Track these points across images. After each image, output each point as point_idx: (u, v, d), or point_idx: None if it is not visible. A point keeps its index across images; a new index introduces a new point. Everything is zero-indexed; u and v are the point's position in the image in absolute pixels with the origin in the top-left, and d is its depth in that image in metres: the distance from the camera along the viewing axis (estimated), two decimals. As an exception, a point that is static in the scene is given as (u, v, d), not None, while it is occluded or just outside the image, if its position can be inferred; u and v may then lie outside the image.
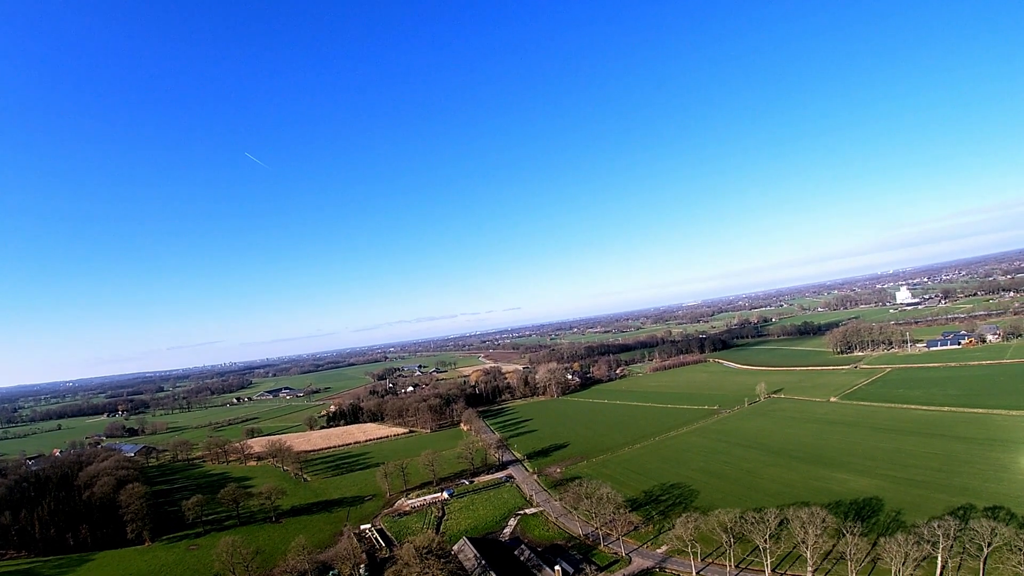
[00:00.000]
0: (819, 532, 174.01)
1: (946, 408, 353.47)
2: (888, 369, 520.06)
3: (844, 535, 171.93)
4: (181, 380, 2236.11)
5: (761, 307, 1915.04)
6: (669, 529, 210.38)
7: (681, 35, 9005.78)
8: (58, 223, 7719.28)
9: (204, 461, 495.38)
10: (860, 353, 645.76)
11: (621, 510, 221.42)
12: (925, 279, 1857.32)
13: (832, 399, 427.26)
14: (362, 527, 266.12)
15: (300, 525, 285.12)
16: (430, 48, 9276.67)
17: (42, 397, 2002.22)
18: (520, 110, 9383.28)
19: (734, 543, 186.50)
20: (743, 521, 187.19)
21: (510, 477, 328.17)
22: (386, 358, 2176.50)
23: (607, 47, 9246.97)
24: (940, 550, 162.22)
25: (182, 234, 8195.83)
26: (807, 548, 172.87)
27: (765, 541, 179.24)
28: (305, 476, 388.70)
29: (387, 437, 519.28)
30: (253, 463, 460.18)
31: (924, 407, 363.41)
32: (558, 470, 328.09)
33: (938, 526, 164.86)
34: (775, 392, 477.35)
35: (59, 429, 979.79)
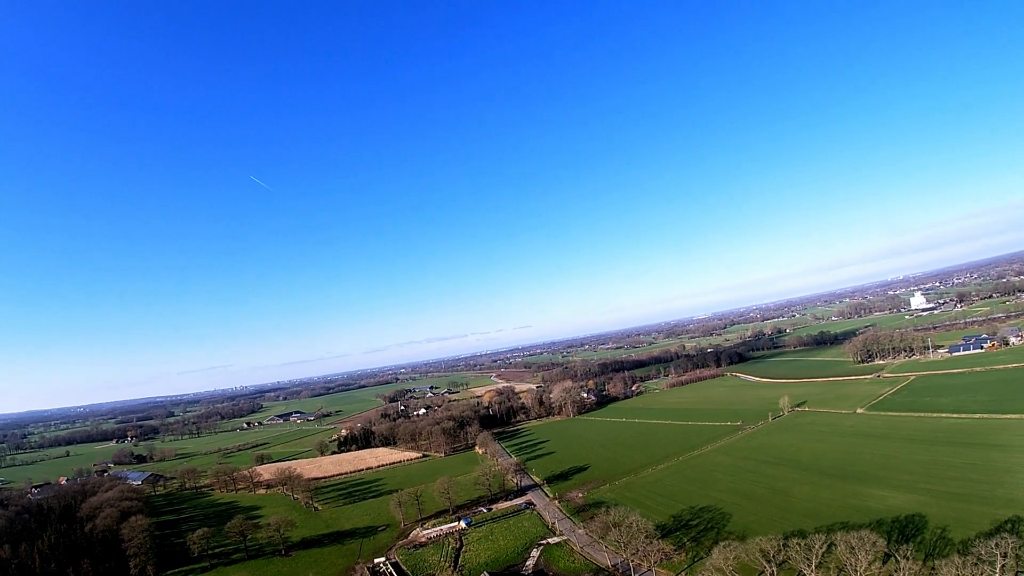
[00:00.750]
0: (871, 558, 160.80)
1: (978, 415, 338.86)
2: (912, 377, 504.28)
3: (894, 558, 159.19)
4: (192, 405, 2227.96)
5: (773, 318, 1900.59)
6: (703, 557, 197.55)
7: (685, 45, 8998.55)
8: (69, 247, 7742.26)
9: (212, 489, 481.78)
10: (881, 361, 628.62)
11: (652, 539, 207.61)
12: (937, 283, 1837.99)
13: (859, 410, 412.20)
14: (376, 561, 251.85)
15: (311, 559, 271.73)
16: (437, 61, 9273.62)
17: (52, 423, 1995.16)
18: (525, 129, 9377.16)
19: (777, 573, 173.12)
20: (786, 548, 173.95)
21: (530, 504, 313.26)
22: (397, 379, 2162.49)
23: (610, 58, 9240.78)
24: (998, 569, 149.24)
25: (192, 258, 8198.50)
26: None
27: (812, 570, 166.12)
28: (316, 505, 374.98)
29: (400, 462, 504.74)
30: (263, 491, 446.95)
31: (955, 415, 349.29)
32: (580, 495, 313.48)
33: (995, 544, 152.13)
34: (798, 405, 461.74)
35: (67, 456, 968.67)
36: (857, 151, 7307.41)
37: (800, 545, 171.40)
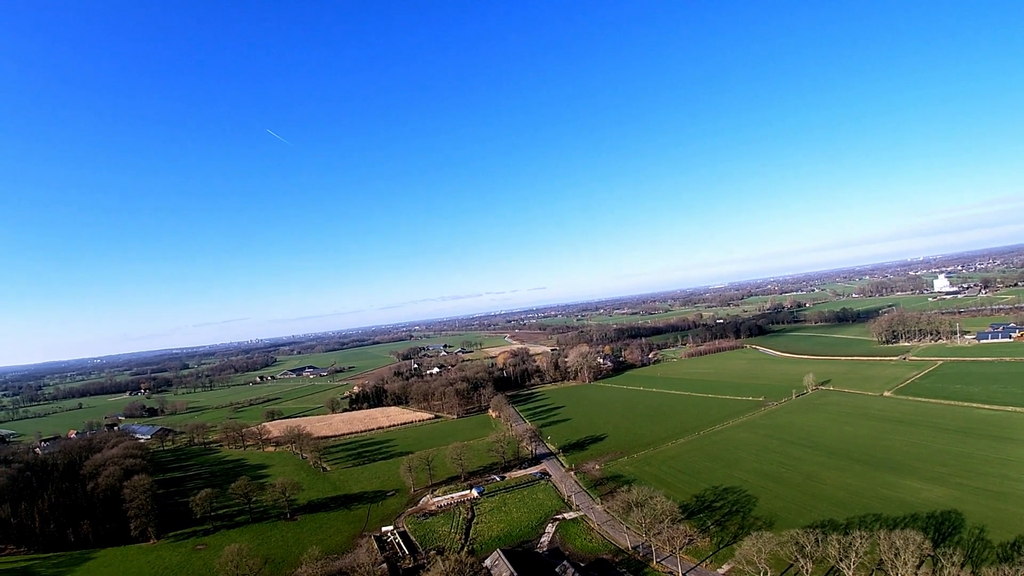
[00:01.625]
0: (916, 561, 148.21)
1: (1011, 408, 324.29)
2: (940, 362, 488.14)
3: (940, 562, 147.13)
4: (207, 357, 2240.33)
5: (792, 291, 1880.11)
6: (729, 544, 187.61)
7: (709, 25, 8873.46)
8: (91, 202, 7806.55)
9: (221, 445, 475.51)
10: (906, 343, 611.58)
11: (678, 523, 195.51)
12: (960, 267, 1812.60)
13: (886, 393, 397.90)
14: (384, 529, 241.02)
15: (316, 523, 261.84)
16: (464, 34, 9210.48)
17: (68, 374, 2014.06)
18: (548, 93, 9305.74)
19: (813, 569, 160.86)
20: (824, 543, 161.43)
21: (544, 473, 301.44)
22: (411, 336, 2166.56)
23: (649, 33, 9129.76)
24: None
25: (212, 212, 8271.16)
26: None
27: (851, 571, 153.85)
28: (324, 465, 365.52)
29: (412, 423, 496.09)
30: (271, 449, 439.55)
31: (987, 406, 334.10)
32: (596, 467, 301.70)
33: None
34: (823, 384, 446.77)
35: (80, 408, 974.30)
36: (885, 130, 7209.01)
37: (840, 543, 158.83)
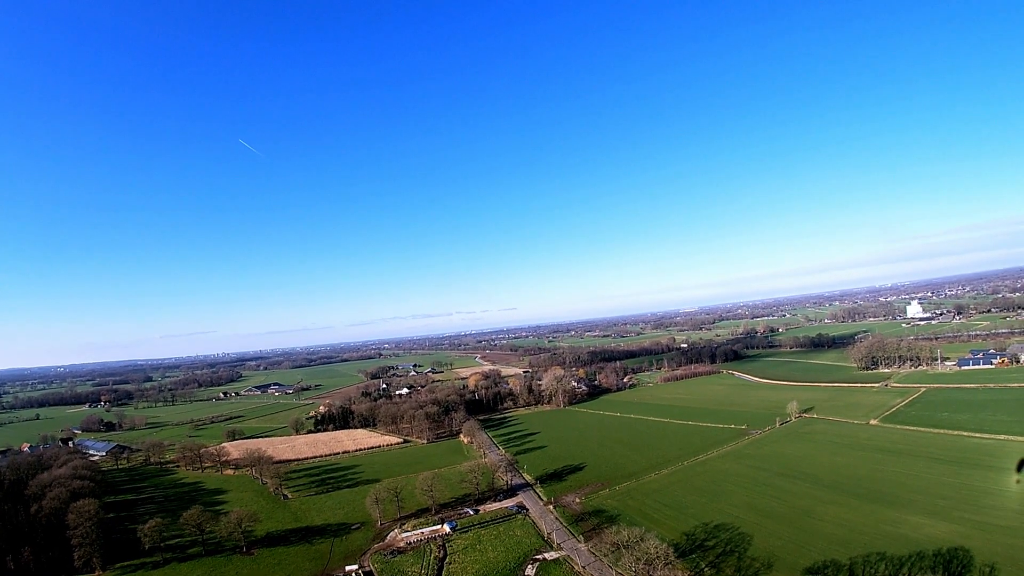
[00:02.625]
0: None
1: (1002, 436, 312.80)
2: (923, 389, 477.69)
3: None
4: (171, 370, 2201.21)
5: (763, 316, 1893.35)
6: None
7: (682, 37, 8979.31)
8: (56, 209, 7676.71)
9: (178, 466, 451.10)
10: (886, 370, 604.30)
11: (671, 567, 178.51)
12: (929, 293, 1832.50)
13: (872, 421, 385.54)
14: (348, 569, 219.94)
15: (275, 559, 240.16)
16: (428, 45, 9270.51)
17: (30, 382, 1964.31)
18: (518, 110, 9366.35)
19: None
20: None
21: (522, 507, 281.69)
22: (380, 355, 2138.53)
23: (606, 48, 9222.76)
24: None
25: (179, 223, 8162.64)
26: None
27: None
28: (286, 492, 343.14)
29: (380, 447, 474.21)
30: (230, 472, 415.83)
31: (978, 434, 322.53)
32: (577, 500, 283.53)
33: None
34: (806, 411, 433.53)
35: (37, 419, 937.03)
36: (854, 156, 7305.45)
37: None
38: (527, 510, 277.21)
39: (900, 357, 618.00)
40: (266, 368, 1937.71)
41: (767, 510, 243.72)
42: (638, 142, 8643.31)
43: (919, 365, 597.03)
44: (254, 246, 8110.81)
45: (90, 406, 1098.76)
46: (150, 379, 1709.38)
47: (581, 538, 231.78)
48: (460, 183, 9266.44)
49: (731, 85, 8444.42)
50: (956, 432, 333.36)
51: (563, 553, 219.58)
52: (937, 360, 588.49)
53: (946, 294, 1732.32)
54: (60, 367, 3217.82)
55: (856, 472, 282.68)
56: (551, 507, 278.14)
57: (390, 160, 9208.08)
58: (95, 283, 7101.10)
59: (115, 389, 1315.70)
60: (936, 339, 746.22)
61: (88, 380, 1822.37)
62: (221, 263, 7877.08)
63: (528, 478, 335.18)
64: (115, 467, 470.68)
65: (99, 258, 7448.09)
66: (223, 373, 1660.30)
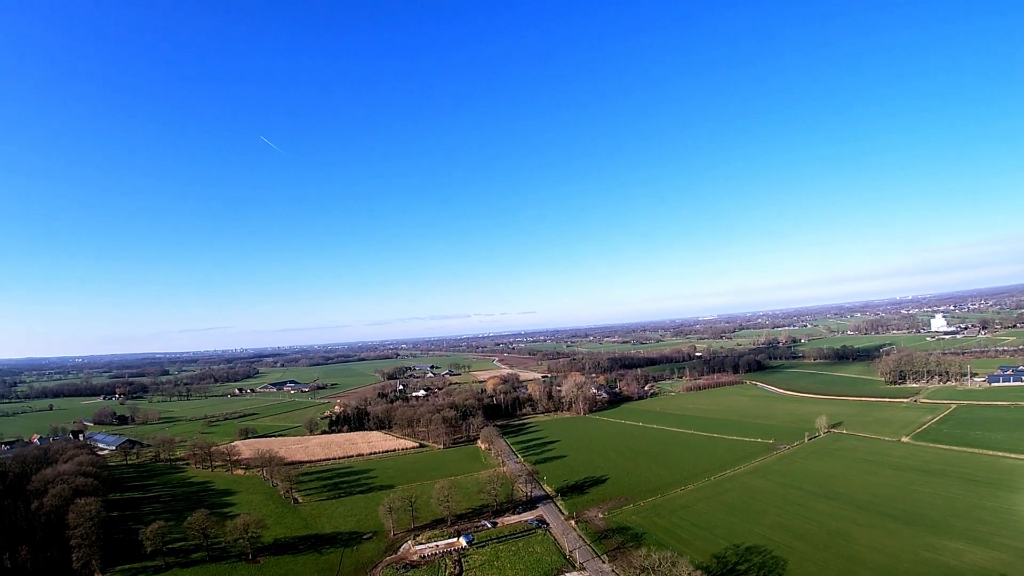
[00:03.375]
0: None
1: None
2: (953, 406, 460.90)
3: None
4: (188, 364, 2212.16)
5: (783, 326, 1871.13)
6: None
7: (706, 44, 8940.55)
8: (83, 201, 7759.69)
9: (188, 464, 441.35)
10: (914, 384, 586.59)
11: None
12: (952, 307, 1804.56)
13: (904, 439, 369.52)
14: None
15: (281, 569, 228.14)
16: (448, 45, 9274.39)
17: (47, 372, 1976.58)
18: (542, 112, 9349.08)
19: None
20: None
21: (542, 521, 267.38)
22: (397, 355, 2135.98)
23: (630, 50, 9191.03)
24: None
25: (202, 218, 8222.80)
26: None
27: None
28: (296, 496, 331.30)
29: (395, 451, 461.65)
30: (241, 471, 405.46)
31: (1014, 455, 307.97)
32: (600, 515, 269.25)
33: None
34: (834, 426, 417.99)
35: (50, 410, 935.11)
36: (877, 164, 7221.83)
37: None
38: (548, 525, 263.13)
39: (928, 372, 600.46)
40: (283, 365, 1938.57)
41: (800, 532, 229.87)
42: (658, 148, 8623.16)
43: (947, 381, 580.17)
44: (275, 243, 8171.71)
45: (104, 398, 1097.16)
46: (167, 372, 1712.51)
47: (605, 558, 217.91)
48: (481, 184, 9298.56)
49: (754, 93, 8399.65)
50: (991, 452, 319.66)
51: (586, 574, 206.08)
52: (966, 376, 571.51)
53: (969, 308, 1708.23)
54: (78, 358, 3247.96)
55: (891, 492, 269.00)
56: (573, 522, 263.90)
57: (412, 160, 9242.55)
58: (117, 275, 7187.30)
59: (131, 382, 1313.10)
60: (963, 354, 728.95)
61: (105, 372, 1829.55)
62: (242, 259, 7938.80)
63: (548, 490, 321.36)
64: (124, 462, 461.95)
65: (122, 251, 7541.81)
66: (240, 369, 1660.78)
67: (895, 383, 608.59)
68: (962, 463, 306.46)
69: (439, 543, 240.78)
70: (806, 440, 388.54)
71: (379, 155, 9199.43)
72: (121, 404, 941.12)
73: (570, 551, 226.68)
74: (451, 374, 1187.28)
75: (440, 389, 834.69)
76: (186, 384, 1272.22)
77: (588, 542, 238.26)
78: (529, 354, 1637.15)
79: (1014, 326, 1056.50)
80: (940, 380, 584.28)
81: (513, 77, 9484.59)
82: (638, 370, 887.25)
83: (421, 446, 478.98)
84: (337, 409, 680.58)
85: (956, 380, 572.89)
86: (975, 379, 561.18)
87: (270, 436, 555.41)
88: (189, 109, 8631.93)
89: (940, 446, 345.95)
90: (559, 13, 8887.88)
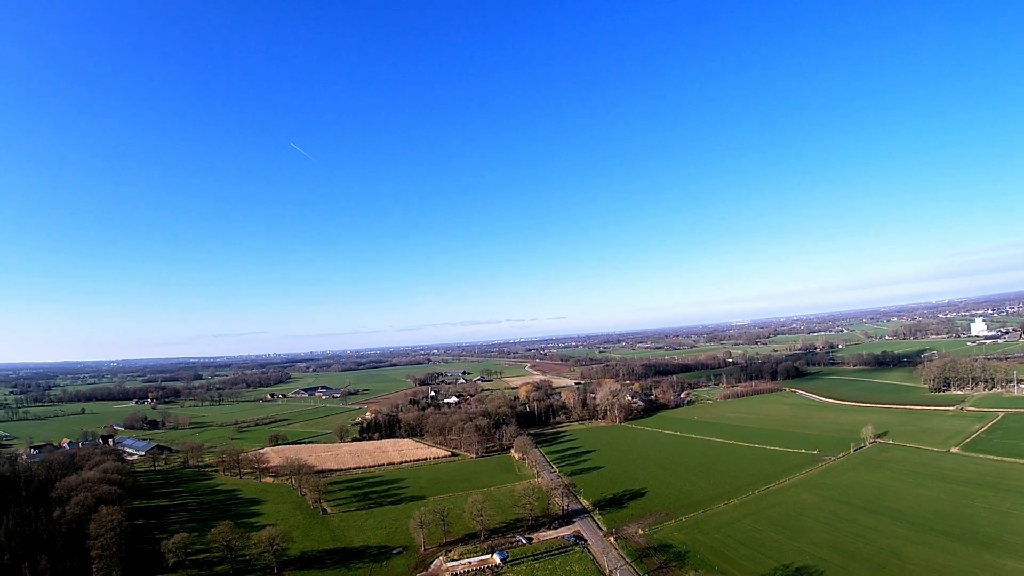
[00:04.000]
0: None
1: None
2: (1001, 414, 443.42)
3: None
4: (222, 369, 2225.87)
5: (818, 331, 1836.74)
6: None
7: (741, 51, 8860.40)
8: (123, 209, 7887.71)
9: (216, 471, 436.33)
10: (959, 392, 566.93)
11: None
12: (990, 311, 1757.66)
13: (953, 449, 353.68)
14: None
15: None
16: (475, 47, 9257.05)
17: (80, 376, 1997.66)
18: (573, 118, 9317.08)
19: None
20: None
21: (579, 537, 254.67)
22: (429, 360, 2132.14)
23: (664, 55, 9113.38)
24: None
25: (239, 224, 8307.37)
26: None
27: None
28: (325, 506, 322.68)
29: (426, 460, 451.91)
30: (269, 479, 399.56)
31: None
32: (640, 531, 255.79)
33: None
34: (880, 436, 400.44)
35: (82, 413, 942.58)
36: (908, 165, 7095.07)
37: None
38: (586, 542, 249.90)
39: (973, 378, 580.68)
40: (315, 370, 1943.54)
41: (851, 550, 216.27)
42: (690, 153, 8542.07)
43: (992, 387, 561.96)
44: (310, 249, 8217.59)
45: (136, 402, 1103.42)
46: (200, 377, 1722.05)
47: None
48: (515, 187, 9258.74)
49: (787, 97, 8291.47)
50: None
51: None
52: (1012, 382, 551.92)
53: (1008, 311, 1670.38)
54: (113, 362, 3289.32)
55: (943, 507, 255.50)
56: (612, 539, 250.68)
57: (447, 167, 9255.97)
58: (155, 281, 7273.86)
59: (163, 386, 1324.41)
60: (1007, 359, 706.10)
61: (139, 376, 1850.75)
62: (277, 265, 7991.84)
63: (585, 503, 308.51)
64: (152, 468, 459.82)
65: (161, 258, 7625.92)
66: (272, 374, 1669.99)
67: (939, 390, 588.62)
68: (1015, 475, 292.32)
69: (472, 560, 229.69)
70: (852, 451, 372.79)
71: (414, 162, 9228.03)
72: (153, 408, 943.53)
73: (610, 571, 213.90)
74: (483, 380, 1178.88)
75: (472, 396, 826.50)
76: (218, 389, 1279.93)
77: (629, 561, 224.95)
78: (561, 360, 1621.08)
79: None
80: (985, 387, 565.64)
81: (543, 80, 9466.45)
82: (673, 377, 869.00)
83: (453, 455, 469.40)
84: (368, 416, 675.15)
85: (1002, 387, 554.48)
86: (1020, 386, 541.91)
87: (300, 443, 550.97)
88: (219, 112, 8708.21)
89: (991, 457, 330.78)
90: (591, 13, 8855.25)
